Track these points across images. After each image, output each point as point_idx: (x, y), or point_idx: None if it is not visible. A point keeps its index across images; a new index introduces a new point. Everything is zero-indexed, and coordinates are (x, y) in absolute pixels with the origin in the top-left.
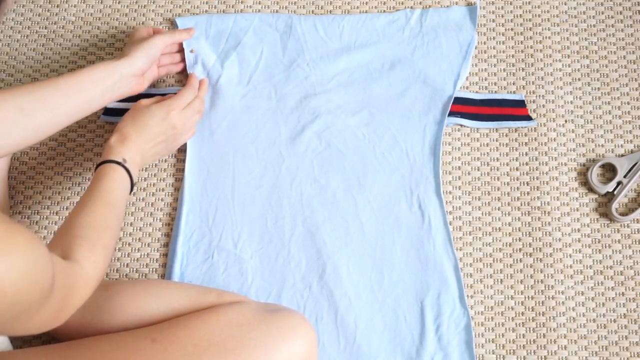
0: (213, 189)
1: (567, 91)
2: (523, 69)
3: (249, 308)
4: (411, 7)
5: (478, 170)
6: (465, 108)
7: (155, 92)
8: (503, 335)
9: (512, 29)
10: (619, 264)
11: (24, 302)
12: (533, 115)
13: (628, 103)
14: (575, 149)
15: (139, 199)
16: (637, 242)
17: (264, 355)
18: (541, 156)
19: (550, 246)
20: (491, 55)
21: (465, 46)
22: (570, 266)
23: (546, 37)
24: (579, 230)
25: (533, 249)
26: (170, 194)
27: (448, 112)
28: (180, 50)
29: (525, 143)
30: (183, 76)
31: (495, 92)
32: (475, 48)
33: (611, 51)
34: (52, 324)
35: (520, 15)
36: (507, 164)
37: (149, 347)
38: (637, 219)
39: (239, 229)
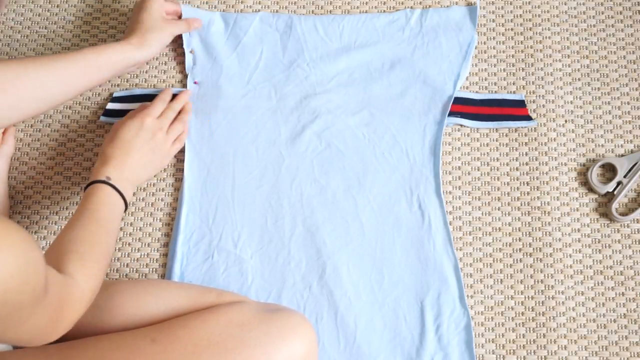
0: (213, 189)
1: (567, 91)
2: (523, 69)
3: (249, 308)
4: (411, 7)
5: (478, 170)
6: (465, 108)
7: (155, 92)
8: (503, 335)
9: (512, 29)
10: (619, 264)
11: (15, 303)
12: (533, 115)
13: (628, 103)
14: (575, 149)
15: (139, 199)
16: (637, 242)
17: (264, 355)
18: (541, 156)
19: (550, 246)
20: (491, 55)
21: (465, 46)
22: (570, 266)
23: (546, 37)
24: (579, 230)
25: (533, 249)
26: (170, 194)
27: (448, 112)
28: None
29: (525, 143)
30: (183, 76)
31: (495, 92)
32: (475, 48)
33: (611, 51)
34: (46, 336)
35: (520, 15)
36: (507, 164)
37: (148, 347)
38: (637, 219)
39: (239, 229)
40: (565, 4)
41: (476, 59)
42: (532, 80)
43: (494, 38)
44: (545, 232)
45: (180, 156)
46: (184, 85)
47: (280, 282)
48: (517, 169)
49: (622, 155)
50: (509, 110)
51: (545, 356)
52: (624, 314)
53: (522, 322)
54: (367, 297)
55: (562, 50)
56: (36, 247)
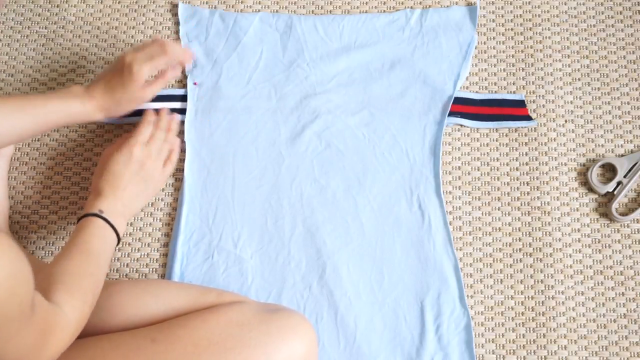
0: (213, 189)
1: (567, 91)
2: (523, 69)
3: (249, 308)
4: (411, 7)
5: (478, 170)
6: (465, 108)
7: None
8: (503, 335)
9: (512, 29)
10: (619, 264)
11: (1, 315)
12: (533, 115)
13: (628, 103)
14: (575, 149)
15: None
16: (637, 242)
17: (264, 355)
18: (541, 156)
19: (550, 246)
20: (491, 55)
21: (465, 46)
22: (570, 266)
23: (546, 37)
24: (579, 230)
25: (533, 249)
26: (170, 194)
27: (448, 112)
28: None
29: (525, 143)
30: (183, 76)
31: (495, 92)
32: (475, 48)
33: (611, 51)
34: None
35: (520, 15)
36: (507, 164)
37: (149, 346)
38: (637, 219)
39: (239, 229)
40: (565, 4)
41: (476, 59)
42: (532, 80)
43: (494, 38)
44: (545, 232)
45: (180, 156)
46: (184, 86)
47: (280, 282)
48: (517, 169)
49: (622, 155)
50: (509, 110)
51: (545, 356)
52: (624, 314)
53: (522, 322)
54: (367, 297)
55: (562, 50)
56: (25, 262)
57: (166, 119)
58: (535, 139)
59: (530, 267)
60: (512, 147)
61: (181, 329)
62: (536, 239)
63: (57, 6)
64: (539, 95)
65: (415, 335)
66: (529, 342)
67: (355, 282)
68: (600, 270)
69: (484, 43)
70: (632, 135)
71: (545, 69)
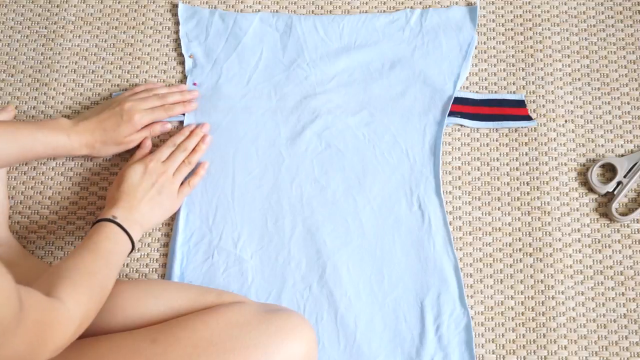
0: (213, 189)
1: (567, 91)
2: (523, 69)
3: (248, 308)
4: (411, 7)
5: (478, 170)
6: (465, 108)
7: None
8: (503, 335)
9: (512, 29)
10: (619, 264)
11: None
12: (533, 115)
13: (628, 103)
14: (575, 149)
15: None
16: (637, 242)
17: (264, 355)
18: (541, 156)
19: (550, 246)
20: (491, 55)
21: (465, 46)
22: (570, 266)
23: (546, 37)
24: (579, 230)
25: (533, 249)
26: None
27: (448, 112)
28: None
29: (525, 143)
30: (183, 76)
31: (495, 92)
32: (475, 48)
33: (611, 51)
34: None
35: (520, 15)
36: (507, 164)
37: (148, 347)
38: (637, 219)
39: (239, 229)
40: (565, 4)
41: (476, 59)
42: (532, 80)
43: (494, 38)
44: (545, 232)
45: None
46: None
47: (280, 282)
48: (517, 169)
49: (622, 155)
50: (509, 110)
51: (545, 356)
52: (624, 314)
53: (522, 322)
54: (367, 297)
55: (562, 50)
56: (8, 278)
57: (193, 141)
58: (535, 139)
59: (530, 267)
60: (512, 147)
61: (181, 330)
62: (536, 239)
63: (57, 6)
64: (539, 95)
65: (415, 335)
66: (529, 342)
67: (355, 282)
68: (600, 270)
69: (484, 43)
70: (632, 135)
71: (545, 69)
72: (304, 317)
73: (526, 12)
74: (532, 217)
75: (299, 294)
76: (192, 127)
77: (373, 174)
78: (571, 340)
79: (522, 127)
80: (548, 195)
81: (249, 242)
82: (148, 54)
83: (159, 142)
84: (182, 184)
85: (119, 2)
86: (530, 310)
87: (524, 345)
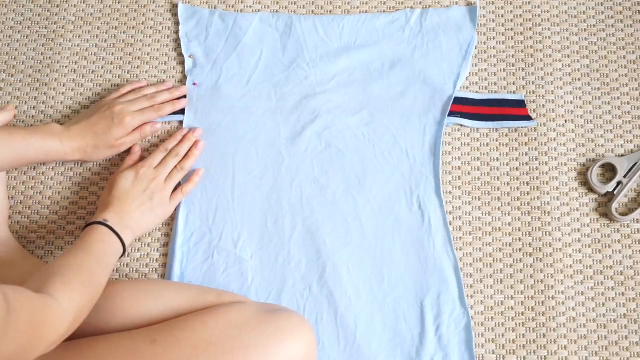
0: (213, 189)
1: (567, 91)
2: (523, 69)
3: (248, 309)
4: (411, 7)
5: (478, 170)
6: (465, 108)
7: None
8: (503, 335)
9: (512, 29)
10: (619, 264)
11: None
12: (533, 115)
13: (628, 103)
14: (575, 149)
15: None
16: (637, 242)
17: (263, 356)
18: (541, 156)
19: (550, 246)
20: (491, 55)
21: (465, 46)
22: (570, 266)
23: (546, 37)
24: (579, 230)
25: (533, 249)
26: None
27: (448, 112)
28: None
29: (525, 143)
30: (183, 76)
31: (495, 92)
32: (475, 48)
33: (611, 51)
34: (24, 357)
35: (520, 15)
36: (507, 164)
37: (148, 348)
38: (637, 219)
39: (239, 229)
40: (565, 4)
41: (476, 59)
42: (532, 80)
43: (494, 38)
44: (545, 232)
45: None
46: (184, 85)
47: (280, 282)
48: (517, 169)
49: (622, 155)
50: (509, 110)
51: (545, 356)
52: (624, 314)
53: (522, 322)
54: (367, 297)
55: (562, 50)
56: None
57: (186, 146)
58: (535, 139)
59: (530, 267)
60: (512, 147)
61: (180, 331)
62: (536, 239)
63: (57, 6)
64: (539, 95)
65: (415, 335)
66: (529, 342)
67: (355, 282)
68: (600, 270)
69: (484, 43)
70: (632, 135)
71: (545, 69)
72: (303, 317)
73: (526, 12)
74: (532, 217)
75: (299, 294)
76: (185, 132)
77: (373, 174)
78: (571, 340)
79: (522, 127)
80: (548, 195)
81: (249, 242)
82: (148, 54)
83: (150, 148)
84: (175, 190)
85: (119, 2)
86: (530, 310)
87: (524, 345)
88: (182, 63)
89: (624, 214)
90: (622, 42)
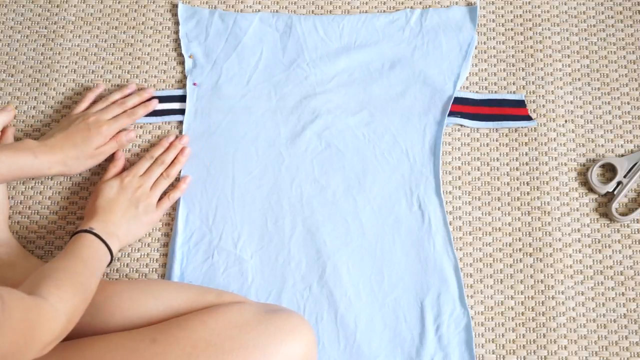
0: (213, 189)
1: (567, 91)
2: (523, 69)
3: (248, 309)
4: (411, 7)
5: (478, 170)
6: (465, 108)
7: (157, 94)
8: (503, 335)
9: (512, 29)
10: (619, 264)
11: None
12: (533, 115)
13: (628, 103)
14: (575, 149)
15: None
16: (637, 242)
17: (263, 356)
18: (541, 156)
19: (550, 246)
20: (491, 55)
21: (465, 46)
22: (570, 266)
23: (546, 37)
24: (579, 230)
25: (533, 249)
26: None
27: (448, 112)
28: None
29: (525, 143)
30: (183, 76)
31: (495, 92)
32: (475, 48)
33: (611, 51)
34: (18, 358)
35: (520, 15)
36: (507, 164)
37: (148, 347)
38: (637, 219)
39: (239, 229)
40: (565, 4)
41: (476, 59)
42: (532, 80)
43: (494, 38)
44: (545, 232)
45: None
46: (183, 86)
47: (280, 282)
48: (517, 169)
49: (622, 155)
50: (509, 110)
51: (545, 356)
52: (624, 314)
53: (522, 322)
54: (367, 297)
55: (562, 50)
56: None
57: (172, 153)
58: (535, 139)
59: (530, 267)
60: (512, 147)
61: (180, 330)
62: (536, 239)
63: (57, 6)
64: (539, 95)
65: (415, 335)
66: (529, 342)
67: (355, 282)
68: (600, 270)
69: (484, 43)
70: (632, 135)
71: (545, 69)
72: (303, 317)
73: (526, 12)
74: (532, 217)
75: (299, 294)
76: (171, 139)
77: (373, 174)
78: (571, 340)
79: (522, 127)
80: (548, 195)
81: (249, 242)
82: (148, 54)
83: (140, 152)
84: (162, 197)
85: (119, 2)
86: (530, 310)
87: (524, 345)
88: (182, 63)
89: (624, 214)
90: (622, 42)
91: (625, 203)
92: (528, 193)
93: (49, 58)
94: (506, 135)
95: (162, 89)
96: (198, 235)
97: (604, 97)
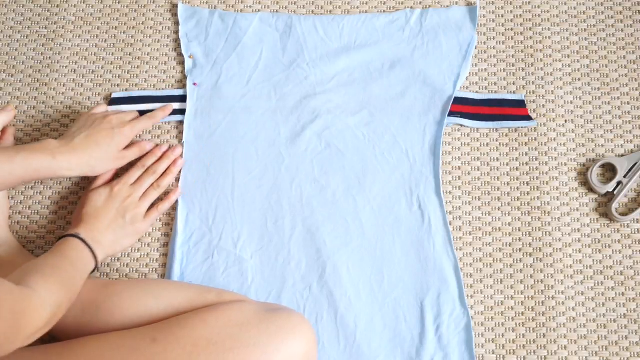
0: (213, 189)
1: (567, 91)
2: (523, 69)
3: (248, 307)
4: (411, 7)
5: (478, 170)
6: (465, 108)
7: (155, 94)
8: (503, 335)
9: (512, 29)
10: (619, 264)
11: None
12: (533, 115)
13: (628, 103)
14: (575, 149)
15: None
16: (637, 242)
17: (263, 355)
18: (541, 156)
19: (550, 246)
20: (491, 55)
21: (465, 46)
22: (570, 266)
23: (546, 37)
24: (579, 230)
25: (533, 249)
26: None
27: (448, 112)
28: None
29: (525, 143)
30: (183, 76)
31: (495, 92)
32: (475, 48)
33: (611, 51)
34: (5, 348)
35: (520, 15)
36: (507, 164)
37: (148, 346)
38: (637, 219)
39: (239, 229)
40: (565, 4)
41: (476, 59)
42: (532, 80)
43: (494, 38)
44: (545, 232)
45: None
46: (184, 86)
47: (280, 282)
48: (517, 169)
49: (622, 155)
50: (509, 110)
51: (545, 356)
52: (624, 314)
53: (522, 322)
54: (367, 297)
55: (562, 50)
56: None
57: (164, 164)
58: (535, 139)
59: (530, 267)
60: (512, 147)
61: (180, 329)
62: (536, 239)
63: (57, 6)
64: (539, 95)
65: (415, 335)
66: (529, 342)
67: (355, 282)
68: (600, 270)
69: (484, 43)
70: (632, 135)
71: (545, 69)
72: (303, 316)
73: (526, 12)
74: (532, 217)
75: (299, 294)
76: (164, 149)
77: (373, 174)
78: (571, 340)
79: (522, 127)
80: (548, 195)
81: (249, 242)
82: (148, 54)
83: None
84: (151, 207)
85: (119, 2)
86: (530, 310)
87: (524, 345)
88: (182, 63)
89: (624, 214)
90: (622, 42)
91: (625, 203)
92: (528, 193)
93: (49, 58)
94: (506, 135)
95: (162, 89)
96: (198, 235)
97: (604, 97)
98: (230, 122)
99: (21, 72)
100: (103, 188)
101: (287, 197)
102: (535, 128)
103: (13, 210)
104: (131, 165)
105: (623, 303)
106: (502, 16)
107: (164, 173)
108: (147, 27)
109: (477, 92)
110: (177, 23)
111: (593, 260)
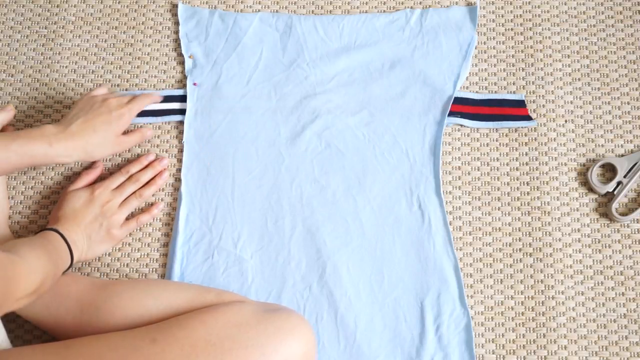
0: (213, 189)
1: (567, 91)
2: (523, 69)
3: (247, 308)
4: (411, 7)
5: (478, 170)
6: (465, 108)
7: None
8: (503, 335)
9: (512, 29)
10: (619, 264)
11: None
12: (533, 115)
13: (628, 103)
14: (575, 149)
15: None
16: (637, 242)
17: (262, 356)
18: (541, 156)
19: (550, 246)
20: (491, 55)
21: (465, 46)
22: (570, 266)
23: (546, 37)
24: (579, 230)
25: (533, 249)
26: (170, 193)
27: (448, 112)
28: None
29: (525, 143)
30: (183, 76)
31: (495, 92)
32: (475, 48)
33: (611, 51)
34: None
35: (520, 15)
36: (507, 164)
37: (147, 347)
38: (637, 219)
39: (239, 229)
40: (565, 4)
41: (476, 59)
42: (532, 80)
43: (494, 38)
44: (545, 232)
45: (180, 156)
46: (184, 86)
47: (280, 282)
48: (517, 169)
49: (622, 155)
50: (509, 110)
51: (545, 356)
52: (624, 314)
53: (522, 322)
54: (367, 297)
55: (562, 50)
56: None
57: (149, 174)
58: (535, 139)
59: (530, 267)
60: (512, 147)
61: (180, 330)
62: (536, 239)
63: (57, 6)
64: (539, 95)
65: (415, 335)
66: (529, 342)
67: (355, 282)
68: (600, 270)
69: (484, 43)
70: (632, 135)
71: (545, 69)
72: (303, 317)
73: (526, 12)
74: (532, 217)
75: (299, 294)
76: (151, 158)
77: (373, 174)
78: (571, 340)
79: (522, 127)
80: (548, 195)
81: (249, 242)
82: (148, 54)
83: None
84: (131, 217)
85: (119, 2)
86: (530, 310)
87: (524, 345)
88: (182, 63)
89: (624, 214)
90: (622, 42)
91: (625, 203)
92: (528, 193)
93: (49, 58)
94: (506, 135)
95: (162, 89)
96: (198, 235)
97: (604, 97)
98: (230, 122)
99: (21, 72)
100: (83, 190)
101: (287, 197)
102: (535, 128)
103: (13, 210)
104: (131, 165)
105: (623, 303)
106: (502, 16)
107: (147, 183)
108: (147, 27)
109: (477, 92)
110: (177, 23)
111: (593, 260)
